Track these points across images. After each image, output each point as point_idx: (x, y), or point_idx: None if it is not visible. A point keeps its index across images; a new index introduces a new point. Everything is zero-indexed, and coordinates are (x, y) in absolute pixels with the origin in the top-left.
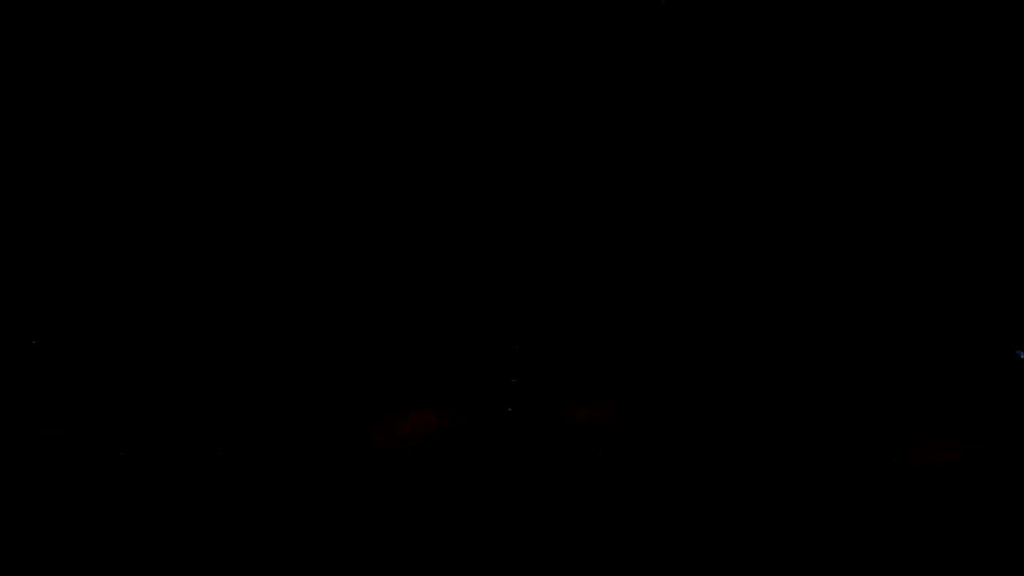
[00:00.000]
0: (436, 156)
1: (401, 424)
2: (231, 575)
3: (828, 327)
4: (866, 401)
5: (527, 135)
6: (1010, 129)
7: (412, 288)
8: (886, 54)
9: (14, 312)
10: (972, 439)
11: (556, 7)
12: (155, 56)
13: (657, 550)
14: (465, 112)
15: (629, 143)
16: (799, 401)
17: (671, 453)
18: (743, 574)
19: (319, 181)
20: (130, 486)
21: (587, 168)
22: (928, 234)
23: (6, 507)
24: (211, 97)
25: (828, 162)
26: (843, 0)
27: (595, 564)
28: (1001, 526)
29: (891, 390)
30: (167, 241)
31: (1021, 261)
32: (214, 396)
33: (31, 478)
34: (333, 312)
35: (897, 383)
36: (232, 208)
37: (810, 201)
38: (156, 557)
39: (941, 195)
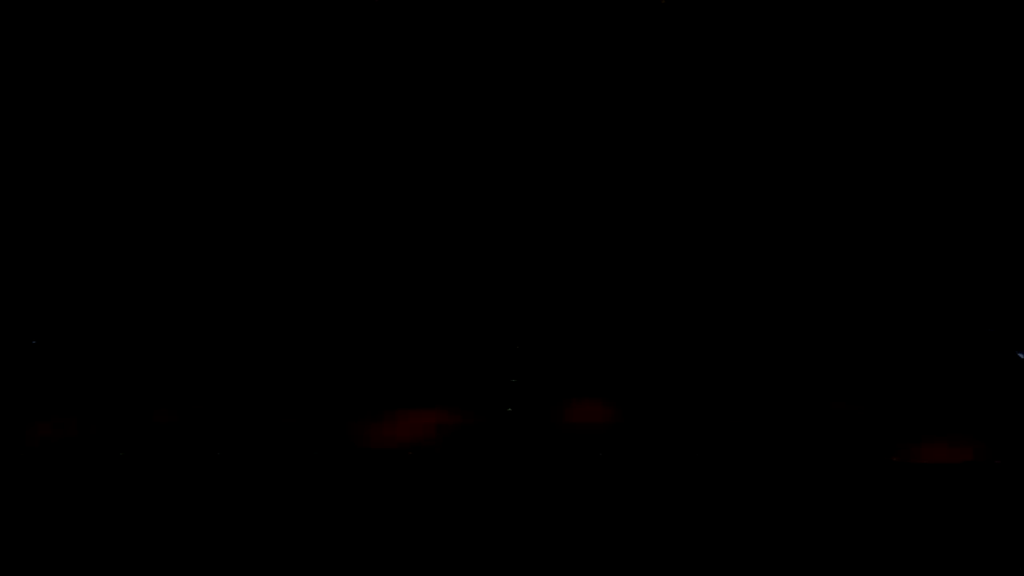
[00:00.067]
0: (438, 157)
1: (401, 424)
2: (231, 574)
3: (829, 328)
4: (867, 401)
5: (527, 135)
6: (1011, 131)
7: (413, 289)
8: (885, 54)
9: (14, 312)
10: (973, 439)
11: (557, 7)
12: (155, 56)
13: (657, 549)
14: (465, 112)
15: (629, 143)
16: (799, 401)
17: (671, 453)
18: (743, 574)
19: (321, 181)
20: (130, 486)
21: (587, 168)
22: (928, 237)
23: (6, 507)
24: (211, 97)
25: (829, 163)
26: (842, 1)
27: (595, 563)
28: (1001, 526)
29: (892, 391)
30: (167, 241)
31: (1021, 263)
32: (214, 396)
33: (31, 478)
34: (334, 313)
35: (898, 384)
36: (233, 208)
37: (811, 202)
38: (157, 557)
39: (942, 198)
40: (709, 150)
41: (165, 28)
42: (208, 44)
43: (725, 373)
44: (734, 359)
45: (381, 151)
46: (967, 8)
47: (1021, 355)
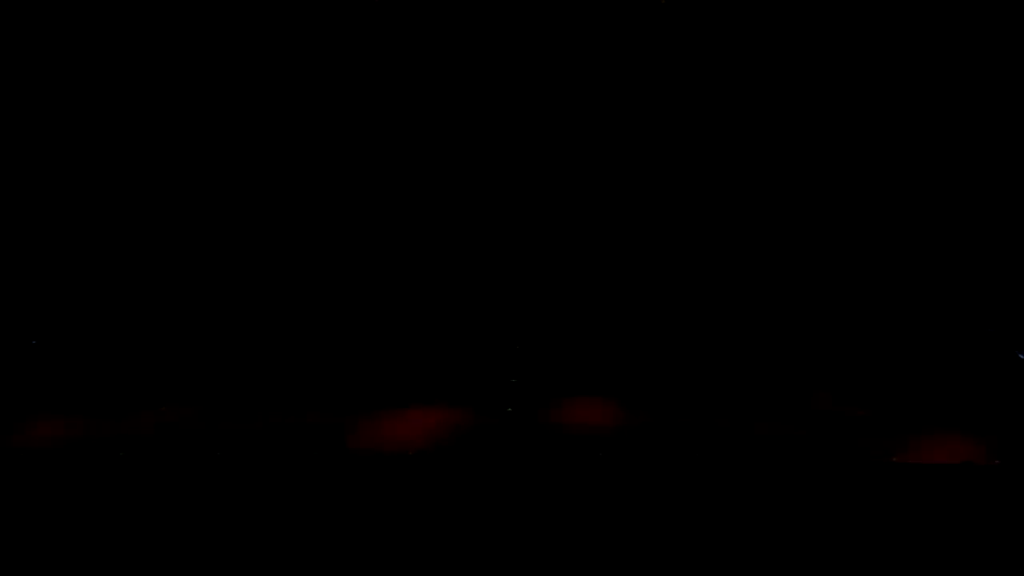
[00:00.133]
0: (440, 158)
1: (402, 423)
2: (231, 573)
3: (830, 329)
4: (867, 402)
5: (528, 135)
6: (1011, 132)
7: (413, 289)
8: (885, 54)
9: (14, 312)
10: (973, 439)
11: (557, 7)
12: (155, 56)
13: (657, 549)
14: (465, 112)
15: (629, 143)
16: (799, 401)
17: (670, 453)
18: (743, 573)
19: (321, 182)
20: (130, 486)
21: (587, 169)
22: (929, 240)
23: (6, 506)
24: (211, 97)
25: (829, 164)
26: (842, 1)
27: (595, 563)
28: (1001, 526)
29: (892, 391)
30: (167, 242)
31: (1021, 263)
32: (214, 396)
33: (31, 478)
34: (334, 313)
35: (898, 384)
36: (233, 208)
37: (811, 201)
38: (157, 557)
39: (939, 198)
40: (709, 150)
41: (165, 28)
42: (208, 44)
43: (725, 373)
44: (734, 360)
45: (382, 152)
46: (967, 8)
47: (1021, 355)
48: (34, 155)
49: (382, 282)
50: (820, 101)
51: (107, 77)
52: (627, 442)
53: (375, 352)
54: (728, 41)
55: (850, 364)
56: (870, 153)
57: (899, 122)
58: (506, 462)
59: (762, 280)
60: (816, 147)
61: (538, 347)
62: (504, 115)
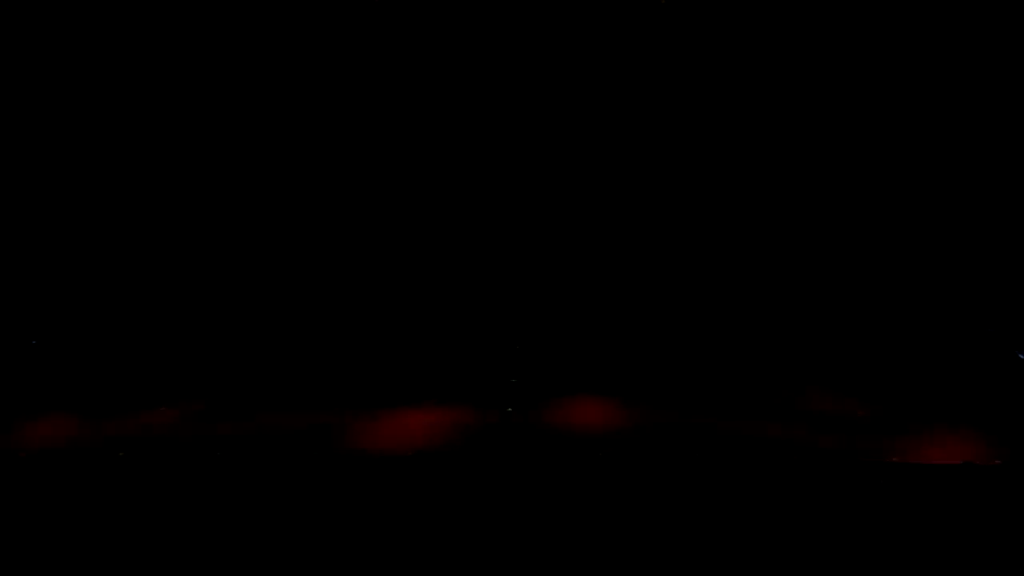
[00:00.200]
0: (441, 159)
1: (402, 423)
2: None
3: (830, 329)
4: (867, 402)
5: (528, 135)
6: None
7: (413, 290)
8: (885, 54)
9: (14, 312)
10: (973, 439)
11: (557, 7)
12: (155, 56)
13: (657, 548)
14: (465, 112)
15: (629, 143)
16: (799, 401)
17: (670, 452)
18: (743, 573)
19: (324, 184)
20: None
21: (587, 170)
22: (928, 238)
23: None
24: (211, 98)
25: (828, 165)
26: (841, 1)
27: (595, 562)
28: (1001, 526)
29: (892, 391)
30: (167, 243)
31: (1021, 264)
32: (214, 397)
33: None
34: (334, 313)
35: (898, 384)
36: (233, 210)
37: (812, 201)
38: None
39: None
40: (709, 151)
41: (165, 29)
42: (208, 44)
43: (725, 373)
44: (734, 360)
45: (383, 154)
46: (967, 8)
47: (1021, 355)
48: (34, 156)
49: (382, 283)
50: (819, 101)
51: (108, 78)
52: (627, 442)
53: (375, 352)
54: (728, 41)
55: (850, 364)
56: (869, 154)
57: (899, 122)
58: (506, 462)
59: (762, 281)
60: (815, 149)
61: (538, 347)
62: (502, 116)
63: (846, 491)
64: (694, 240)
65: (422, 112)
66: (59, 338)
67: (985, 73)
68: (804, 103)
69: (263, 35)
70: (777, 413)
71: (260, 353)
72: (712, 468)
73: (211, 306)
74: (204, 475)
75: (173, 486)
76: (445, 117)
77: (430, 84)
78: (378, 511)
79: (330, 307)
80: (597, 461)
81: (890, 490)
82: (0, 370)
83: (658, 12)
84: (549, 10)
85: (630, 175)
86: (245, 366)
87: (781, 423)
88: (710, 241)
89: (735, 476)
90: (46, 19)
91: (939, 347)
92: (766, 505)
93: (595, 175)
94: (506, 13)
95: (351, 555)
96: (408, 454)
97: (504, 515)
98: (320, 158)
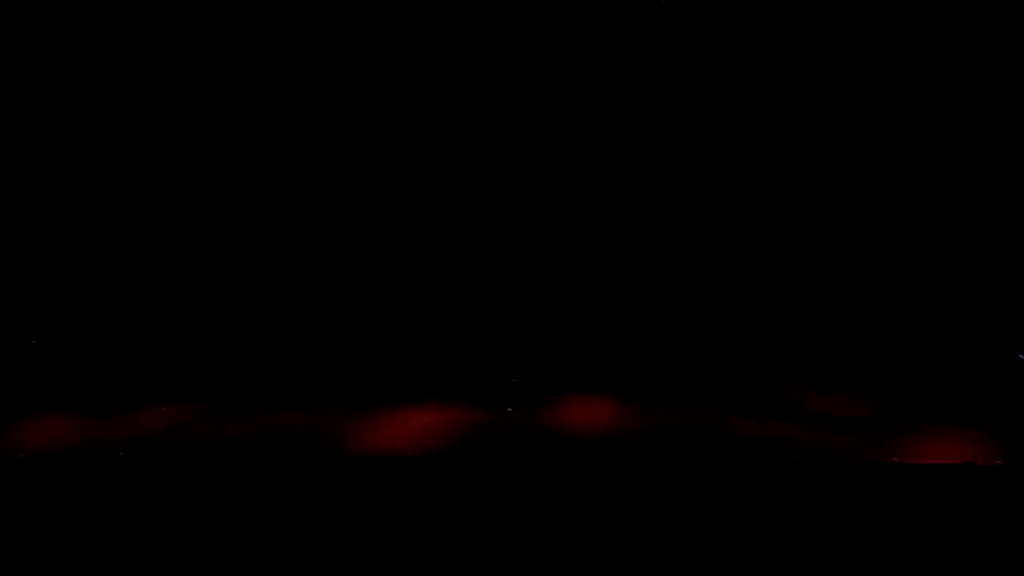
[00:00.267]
0: (441, 159)
1: (402, 423)
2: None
3: (830, 330)
4: (867, 402)
5: (527, 135)
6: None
7: (413, 290)
8: (885, 55)
9: (14, 312)
10: (973, 439)
11: (557, 7)
12: (155, 57)
13: (656, 548)
14: (465, 113)
15: (629, 144)
16: (799, 401)
17: (671, 453)
18: (743, 573)
19: (326, 184)
20: (130, 485)
21: (588, 168)
22: (928, 238)
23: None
24: (212, 98)
25: (827, 164)
26: (841, 1)
27: (594, 562)
28: (1001, 526)
29: (892, 391)
30: (167, 243)
31: (1021, 264)
32: (214, 397)
33: (30, 477)
34: (334, 314)
35: (899, 384)
36: (233, 210)
37: (811, 204)
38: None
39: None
40: (709, 151)
41: (165, 29)
42: (208, 45)
43: (725, 374)
44: (734, 360)
45: (383, 155)
46: (967, 8)
47: (1021, 355)
48: (34, 156)
49: (383, 283)
50: (819, 100)
51: (108, 78)
52: (627, 442)
53: (375, 352)
54: (727, 41)
55: (850, 364)
56: (869, 154)
57: (898, 122)
58: (506, 462)
59: (762, 281)
60: (814, 149)
61: (538, 347)
62: (502, 117)
63: (846, 491)
64: (694, 240)
65: (422, 112)
66: (59, 338)
67: (985, 73)
68: (804, 103)
69: (263, 35)
70: (777, 413)
71: (260, 353)
72: (712, 468)
73: (211, 306)
74: (204, 475)
75: (173, 486)
76: (445, 117)
77: (429, 84)
78: (378, 511)
79: (330, 307)
80: (597, 461)
81: (890, 490)
82: (0, 370)
83: (658, 12)
84: (549, 10)
85: (630, 175)
86: (246, 366)
87: (781, 423)
88: (710, 241)
89: (735, 476)
90: (46, 19)
91: (939, 347)
92: (767, 505)
93: (595, 175)
94: (506, 13)
95: (352, 555)
96: (408, 454)
97: (504, 515)
98: (320, 158)
